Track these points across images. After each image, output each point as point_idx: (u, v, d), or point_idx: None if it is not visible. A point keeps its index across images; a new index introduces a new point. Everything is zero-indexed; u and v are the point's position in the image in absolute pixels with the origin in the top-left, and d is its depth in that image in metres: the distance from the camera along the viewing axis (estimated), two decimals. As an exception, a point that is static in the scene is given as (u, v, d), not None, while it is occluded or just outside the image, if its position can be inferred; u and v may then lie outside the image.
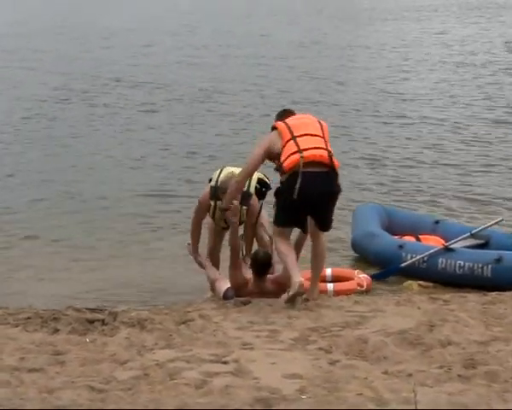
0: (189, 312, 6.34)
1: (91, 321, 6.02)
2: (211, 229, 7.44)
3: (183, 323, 5.98)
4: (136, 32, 31.83)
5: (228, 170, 7.16)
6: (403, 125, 15.26)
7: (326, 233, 6.73)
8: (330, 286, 7.42)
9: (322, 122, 6.63)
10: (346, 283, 7.55)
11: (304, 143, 6.33)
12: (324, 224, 6.57)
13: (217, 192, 7.08)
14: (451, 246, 7.82)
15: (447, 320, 5.73)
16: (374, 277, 7.81)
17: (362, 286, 7.48)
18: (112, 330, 5.85)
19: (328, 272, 7.65)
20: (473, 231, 8.09)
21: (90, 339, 5.60)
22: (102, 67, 22.83)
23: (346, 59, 23.50)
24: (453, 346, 5.19)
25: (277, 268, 6.89)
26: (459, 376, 4.65)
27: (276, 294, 6.71)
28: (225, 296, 6.86)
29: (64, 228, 9.94)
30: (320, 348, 5.21)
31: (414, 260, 7.86)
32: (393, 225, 8.67)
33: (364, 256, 8.44)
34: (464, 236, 8.03)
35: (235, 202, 6.74)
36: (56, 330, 5.83)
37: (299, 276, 6.32)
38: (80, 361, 5.06)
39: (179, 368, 4.83)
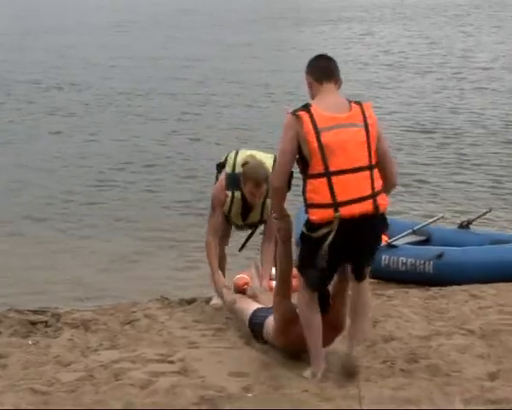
0: (134, 312, 6.29)
1: (34, 323, 5.95)
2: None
3: (128, 323, 5.95)
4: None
5: (245, 153, 5.98)
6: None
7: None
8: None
9: (369, 123, 4.53)
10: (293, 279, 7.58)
11: (343, 188, 4.42)
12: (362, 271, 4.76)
13: (236, 180, 5.86)
14: (394, 243, 7.93)
15: (390, 316, 5.82)
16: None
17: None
18: (55, 331, 5.78)
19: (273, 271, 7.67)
20: (415, 228, 8.22)
21: (33, 341, 5.53)
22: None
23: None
24: (396, 341, 5.26)
25: None
26: (402, 370, 4.72)
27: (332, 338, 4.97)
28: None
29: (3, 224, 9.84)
30: (265, 346, 5.23)
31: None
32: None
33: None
34: (406, 232, 8.15)
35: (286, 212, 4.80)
36: (-2, 333, 5.75)
37: (322, 365, 4.68)
38: (23, 364, 4.99)
39: (124, 369, 4.80)
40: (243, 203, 5.95)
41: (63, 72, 21.74)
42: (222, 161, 6.11)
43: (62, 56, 24.80)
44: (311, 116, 4.42)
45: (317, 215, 4.44)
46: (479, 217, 8.51)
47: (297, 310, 4.82)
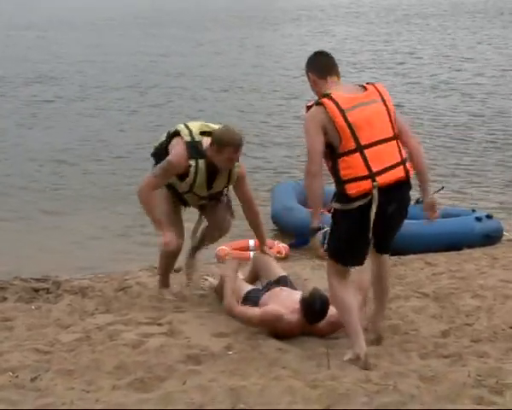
0: (126, 280, 6.28)
1: (37, 290, 5.93)
2: (166, 198, 5.35)
3: (122, 290, 5.93)
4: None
5: (196, 123, 5.29)
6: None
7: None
8: (252, 254, 7.46)
9: (385, 98, 4.36)
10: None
11: (376, 158, 4.23)
12: (387, 244, 4.61)
13: (198, 148, 5.12)
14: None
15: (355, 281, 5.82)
16: (291, 245, 7.86)
17: (281, 254, 7.54)
18: (56, 297, 5.76)
19: (251, 242, 7.66)
20: None
21: (36, 306, 5.50)
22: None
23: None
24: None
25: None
26: (365, 330, 4.72)
27: (327, 333, 4.71)
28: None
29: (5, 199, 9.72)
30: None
31: (327, 229, 7.92)
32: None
33: (283, 228, 8.48)
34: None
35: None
36: (4, 299, 5.72)
37: (364, 346, 4.27)
38: (27, 326, 4.96)
39: (118, 330, 4.77)
40: (208, 171, 5.17)
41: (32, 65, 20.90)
42: (161, 141, 5.35)
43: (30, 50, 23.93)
44: (334, 100, 4.22)
45: (355, 188, 4.19)
46: (433, 194, 8.48)
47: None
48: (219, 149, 5.04)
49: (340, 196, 4.26)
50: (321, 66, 4.43)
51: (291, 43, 25.47)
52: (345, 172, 4.21)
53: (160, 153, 5.31)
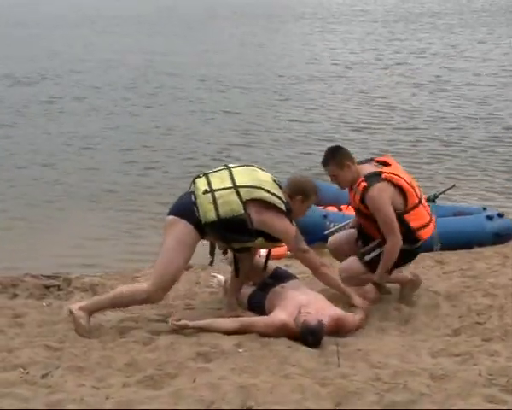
0: (137, 277, 6.29)
1: (47, 287, 5.94)
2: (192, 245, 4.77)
3: (132, 287, 5.92)
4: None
5: (269, 178, 4.86)
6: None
7: None
8: (262, 252, 7.44)
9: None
10: (276, 248, 7.56)
11: (427, 207, 5.31)
12: None
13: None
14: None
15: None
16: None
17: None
18: (66, 294, 5.78)
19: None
20: None
21: (47, 303, 5.52)
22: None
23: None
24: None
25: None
26: (376, 328, 4.72)
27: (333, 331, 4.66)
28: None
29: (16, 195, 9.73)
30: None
31: (336, 228, 7.92)
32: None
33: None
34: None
35: None
36: (15, 295, 5.73)
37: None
38: (38, 323, 4.97)
39: (128, 327, 4.78)
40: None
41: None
42: (236, 212, 4.66)
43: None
44: (389, 172, 5.04)
45: (426, 233, 5.16)
46: (444, 191, 8.50)
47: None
48: (305, 199, 4.95)
49: (411, 240, 5.12)
50: (348, 155, 5.16)
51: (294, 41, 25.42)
52: (415, 224, 5.09)
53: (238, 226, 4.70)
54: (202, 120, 14.44)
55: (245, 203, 4.66)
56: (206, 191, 4.70)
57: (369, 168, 5.13)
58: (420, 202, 5.14)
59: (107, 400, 3.63)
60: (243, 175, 4.78)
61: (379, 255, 5.10)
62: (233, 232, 4.68)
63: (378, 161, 5.24)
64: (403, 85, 17.67)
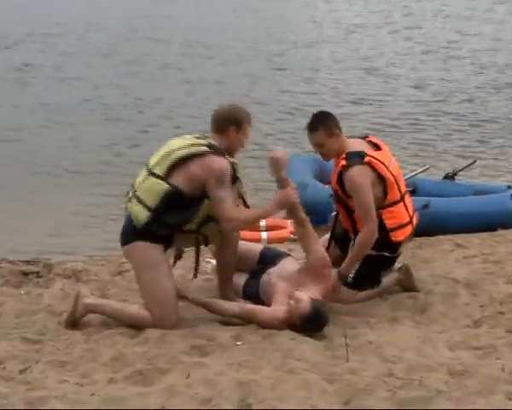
0: (124, 263, 6.27)
1: (26, 273, 5.94)
2: (169, 273, 4.83)
3: (119, 274, 5.95)
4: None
5: (183, 138, 4.86)
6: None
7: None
8: (264, 235, 7.48)
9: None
10: (279, 231, 7.60)
11: (409, 205, 5.16)
12: None
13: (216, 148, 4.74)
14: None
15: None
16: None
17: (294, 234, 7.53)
18: (47, 281, 5.78)
19: (263, 222, 7.67)
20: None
21: (25, 291, 5.52)
22: None
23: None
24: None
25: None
26: (389, 318, 4.73)
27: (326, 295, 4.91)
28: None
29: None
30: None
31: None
32: (325, 175, 8.71)
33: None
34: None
35: None
36: (-10, 283, 5.73)
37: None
38: (15, 313, 4.99)
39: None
40: None
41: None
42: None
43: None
44: (375, 157, 4.89)
45: (402, 235, 5.01)
46: (464, 168, 8.50)
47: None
48: (238, 129, 4.81)
49: (386, 244, 4.97)
50: (338, 123, 5.01)
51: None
52: (390, 222, 4.95)
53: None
54: (188, 92, 14.33)
55: (166, 178, 4.62)
56: (130, 198, 4.76)
57: (356, 145, 4.98)
58: (402, 199, 5.01)
59: (92, 397, 3.65)
60: (156, 156, 4.77)
61: (361, 267, 4.96)
62: (175, 214, 4.62)
63: (371, 142, 5.08)
64: (412, 52, 17.61)
